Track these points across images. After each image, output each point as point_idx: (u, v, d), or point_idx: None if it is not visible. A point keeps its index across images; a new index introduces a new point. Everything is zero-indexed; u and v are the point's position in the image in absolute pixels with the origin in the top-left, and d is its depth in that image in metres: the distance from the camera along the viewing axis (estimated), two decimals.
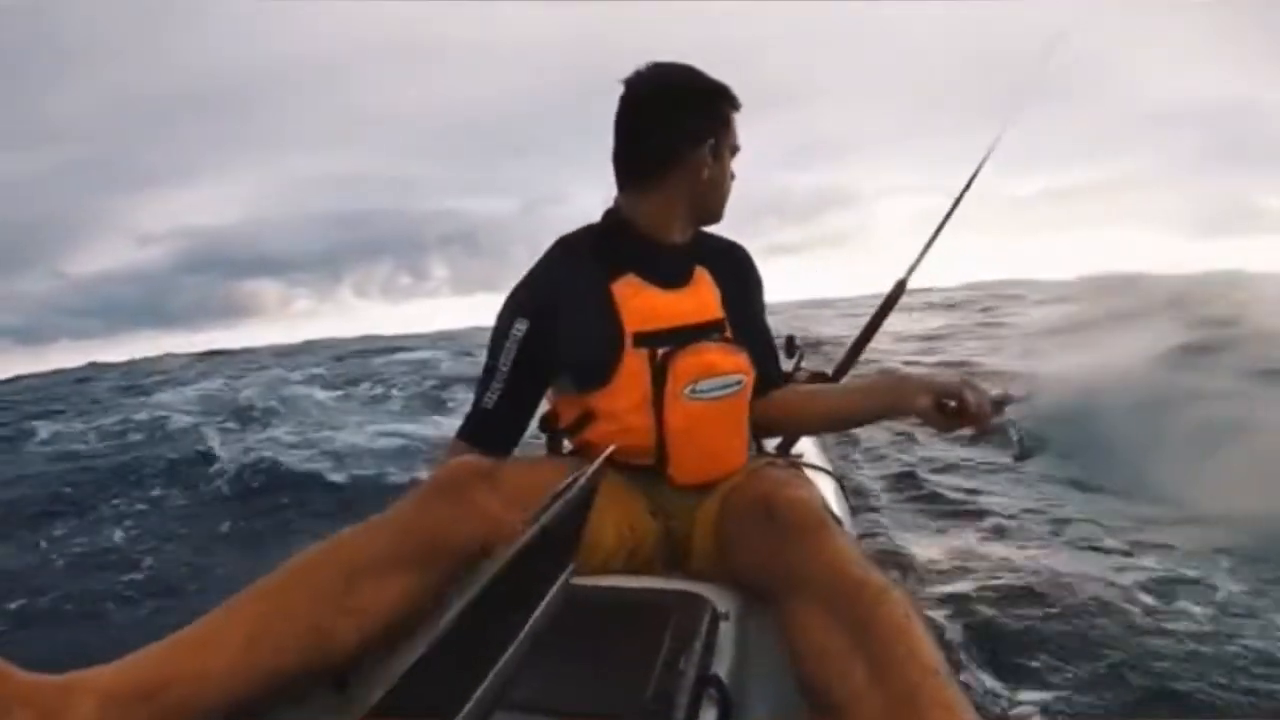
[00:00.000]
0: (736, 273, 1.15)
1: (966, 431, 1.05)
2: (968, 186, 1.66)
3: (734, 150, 1.09)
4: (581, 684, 0.74)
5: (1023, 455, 1.08)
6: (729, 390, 1.04)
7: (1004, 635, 1.77)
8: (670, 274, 1.06)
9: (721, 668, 0.78)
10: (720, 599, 0.90)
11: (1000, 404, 1.04)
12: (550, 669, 0.75)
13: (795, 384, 1.29)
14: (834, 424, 1.19)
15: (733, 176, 1.11)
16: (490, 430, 1.04)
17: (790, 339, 1.62)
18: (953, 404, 1.02)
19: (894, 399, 1.06)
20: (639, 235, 1.07)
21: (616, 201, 1.10)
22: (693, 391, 1.01)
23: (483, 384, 1.04)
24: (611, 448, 0.73)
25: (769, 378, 1.17)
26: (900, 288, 1.68)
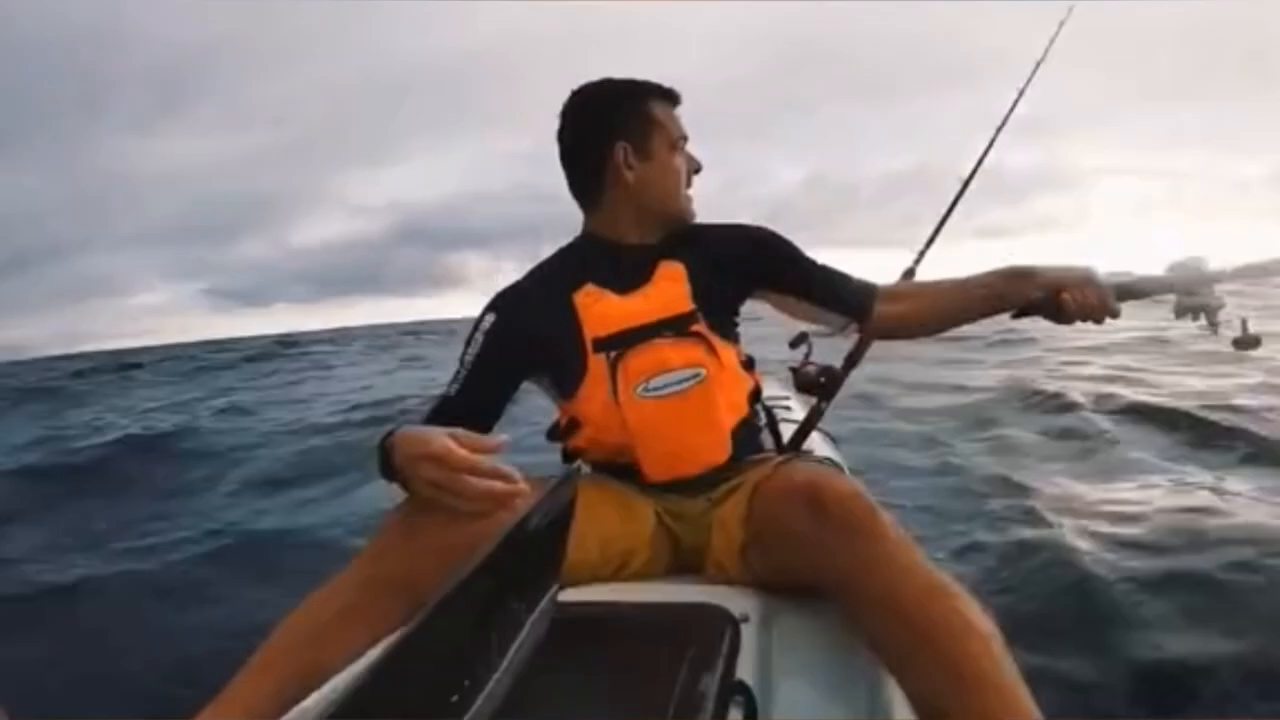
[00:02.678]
0: (731, 254, 1.11)
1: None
2: (980, 162, 1.59)
3: (675, 143, 1.08)
4: (603, 704, 0.71)
5: (1245, 343, 1.03)
6: (685, 384, 1.01)
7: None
8: (628, 277, 1.06)
9: (745, 673, 0.75)
10: (736, 603, 0.87)
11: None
12: (570, 691, 0.72)
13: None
14: (956, 312, 1.13)
15: (697, 168, 1.11)
16: (450, 419, 0.99)
17: (803, 333, 1.59)
18: (1068, 298, 1.03)
19: (1010, 287, 1.08)
20: (601, 246, 1.10)
21: (584, 223, 1.13)
22: (645, 390, 1.00)
23: (453, 376, 1.06)
24: (578, 464, 0.72)
25: (857, 303, 1.14)
26: (909, 276, 1.57)
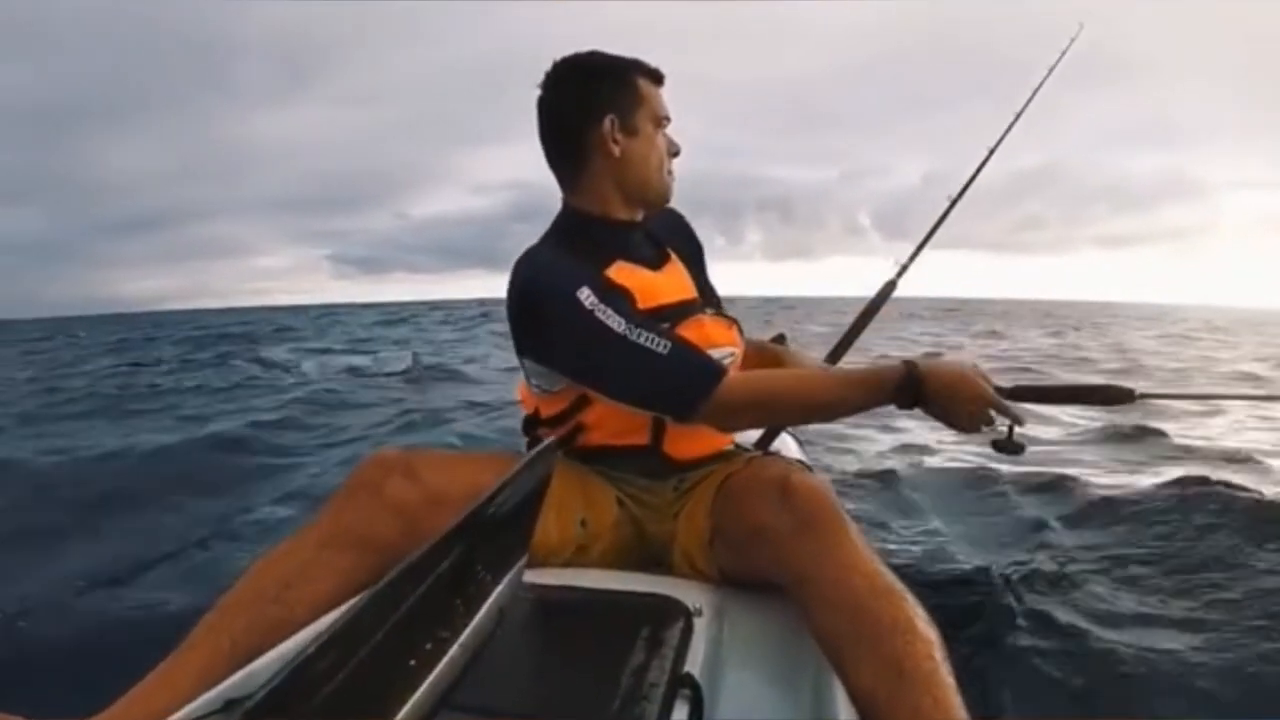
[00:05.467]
0: (686, 244, 1.16)
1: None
2: (971, 180, 1.58)
3: (659, 122, 1.05)
4: (551, 689, 0.72)
5: (1006, 448, 0.95)
6: (724, 363, 1.00)
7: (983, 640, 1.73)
8: (648, 255, 1.07)
9: (695, 666, 0.76)
10: (691, 596, 0.88)
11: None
12: (519, 672, 0.73)
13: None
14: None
15: (676, 151, 1.08)
16: (703, 355, 0.94)
17: (781, 335, 1.61)
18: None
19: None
20: (596, 221, 1.05)
21: (564, 202, 1.08)
22: None
23: (638, 344, 0.89)
24: (551, 439, 0.72)
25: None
26: (890, 288, 1.59)
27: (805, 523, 0.81)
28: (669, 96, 1.07)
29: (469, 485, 0.86)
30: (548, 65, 1.03)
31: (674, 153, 1.08)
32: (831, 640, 0.75)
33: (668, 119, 1.06)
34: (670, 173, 1.08)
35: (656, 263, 1.07)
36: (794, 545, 0.80)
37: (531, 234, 1.09)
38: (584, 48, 1.04)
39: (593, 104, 1.01)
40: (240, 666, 0.75)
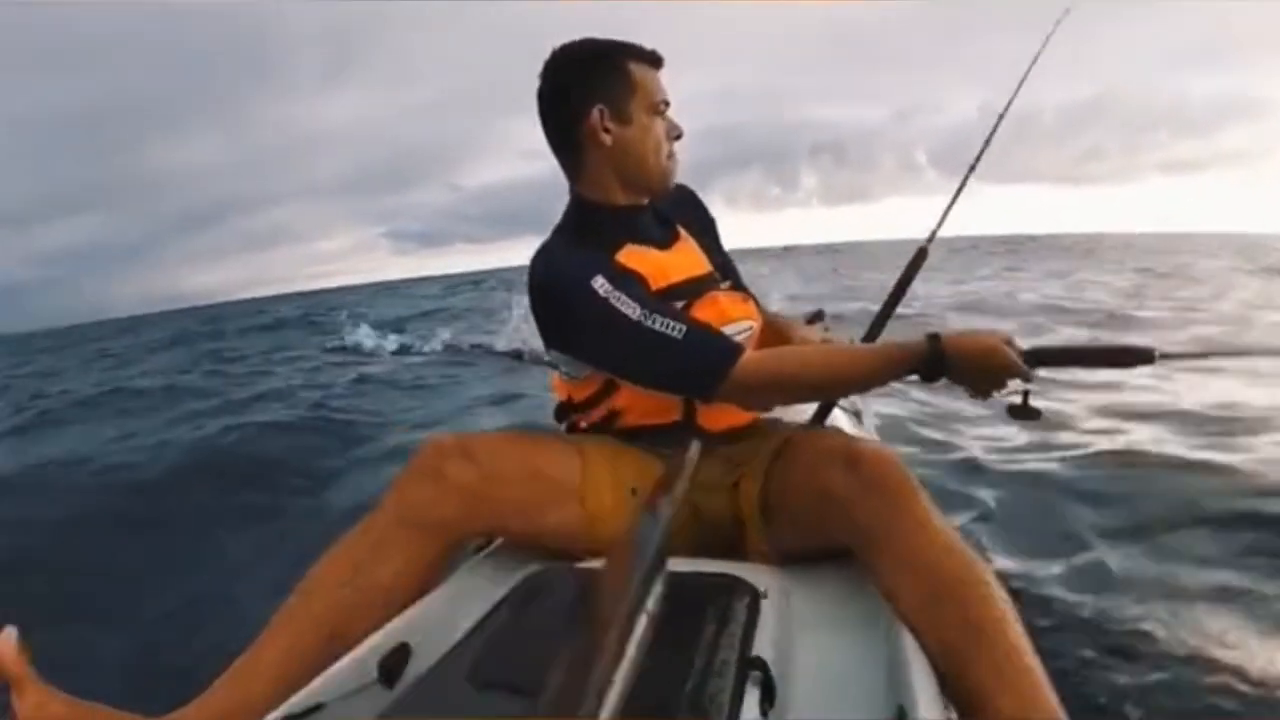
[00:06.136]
0: (697, 218, 1.17)
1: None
2: (981, 153, 1.49)
3: (655, 107, 1.04)
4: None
5: (1023, 415, 0.96)
6: (741, 336, 1.04)
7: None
8: (657, 235, 1.08)
9: (764, 648, 0.75)
10: (755, 578, 0.86)
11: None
12: None
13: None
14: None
15: (678, 134, 1.07)
16: (718, 336, 0.96)
17: (820, 312, 1.56)
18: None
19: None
20: (603, 208, 1.06)
21: (571, 190, 1.09)
22: None
23: (656, 331, 0.91)
24: (696, 444, 0.76)
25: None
26: (922, 255, 1.48)
27: (874, 485, 0.81)
28: (668, 80, 1.06)
29: (521, 463, 0.95)
30: (575, 34, 1.04)
31: (675, 136, 1.07)
32: (907, 600, 0.75)
33: (666, 103, 1.05)
34: (671, 156, 1.07)
35: (666, 241, 1.08)
36: (864, 506, 0.81)
37: (563, 205, 1.11)
38: (626, 6, 1.04)
39: (582, 94, 1.01)
40: (314, 660, 0.78)
